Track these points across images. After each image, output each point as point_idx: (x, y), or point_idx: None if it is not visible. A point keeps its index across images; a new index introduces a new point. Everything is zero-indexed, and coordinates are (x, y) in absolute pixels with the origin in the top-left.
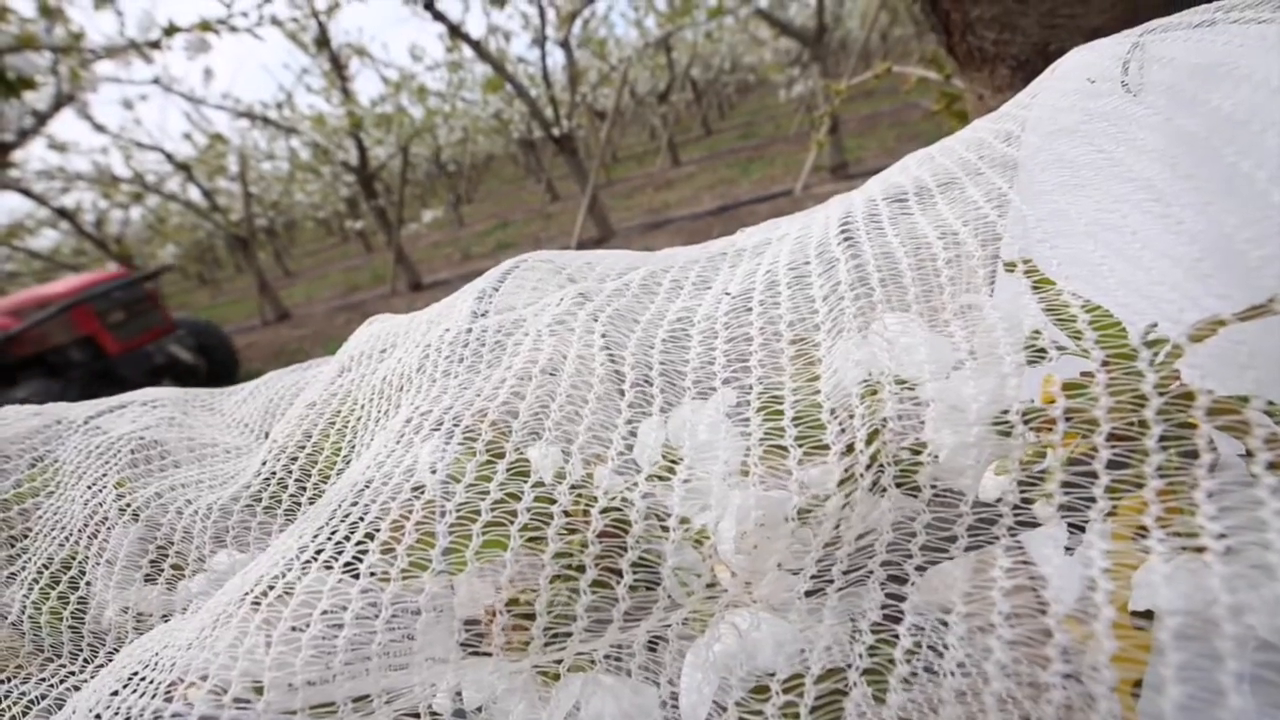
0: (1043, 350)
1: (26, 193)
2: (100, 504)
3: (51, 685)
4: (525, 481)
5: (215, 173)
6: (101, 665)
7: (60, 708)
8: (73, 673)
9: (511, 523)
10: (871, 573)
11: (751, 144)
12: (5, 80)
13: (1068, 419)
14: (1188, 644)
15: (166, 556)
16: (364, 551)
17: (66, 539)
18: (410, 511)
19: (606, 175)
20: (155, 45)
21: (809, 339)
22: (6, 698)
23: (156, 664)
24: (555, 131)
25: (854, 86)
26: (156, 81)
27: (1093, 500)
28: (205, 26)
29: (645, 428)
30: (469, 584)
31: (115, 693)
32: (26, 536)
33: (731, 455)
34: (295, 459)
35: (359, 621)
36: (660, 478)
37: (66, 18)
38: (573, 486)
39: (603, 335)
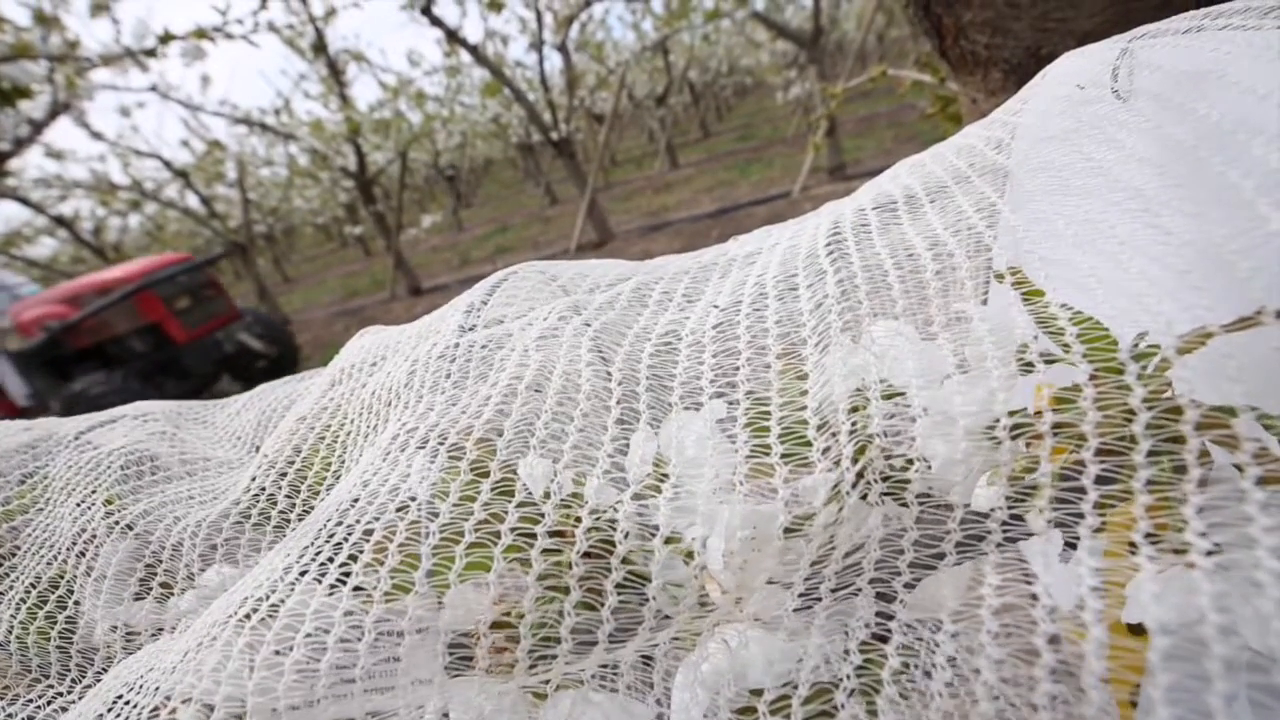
0: (1032, 362)
1: (24, 201)
2: (89, 521)
3: (39, 707)
4: (510, 501)
5: (213, 179)
6: (89, 685)
7: None
8: (60, 693)
9: (495, 544)
10: (860, 590)
11: (749, 146)
12: (1, 89)
13: (1056, 433)
14: (1178, 664)
15: (155, 574)
16: (348, 573)
17: (55, 557)
18: (394, 532)
19: (605, 178)
20: (151, 53)
21: (797, 351)
22: None
23: (142, 687)
24: (553, 135)
25: (850, 89)
26: (153, 89)
27: (1082, 516)
28: (201, 34)
29: (636, 438)
30: (460, 594)
31: (101, 716)
32: (15, 554)
33: (720, 469)
34: (285, 474)
35: (343, 645)
36: (649, 492)
37: (62, 26)
38: (559, 505)
39: (590, 349)
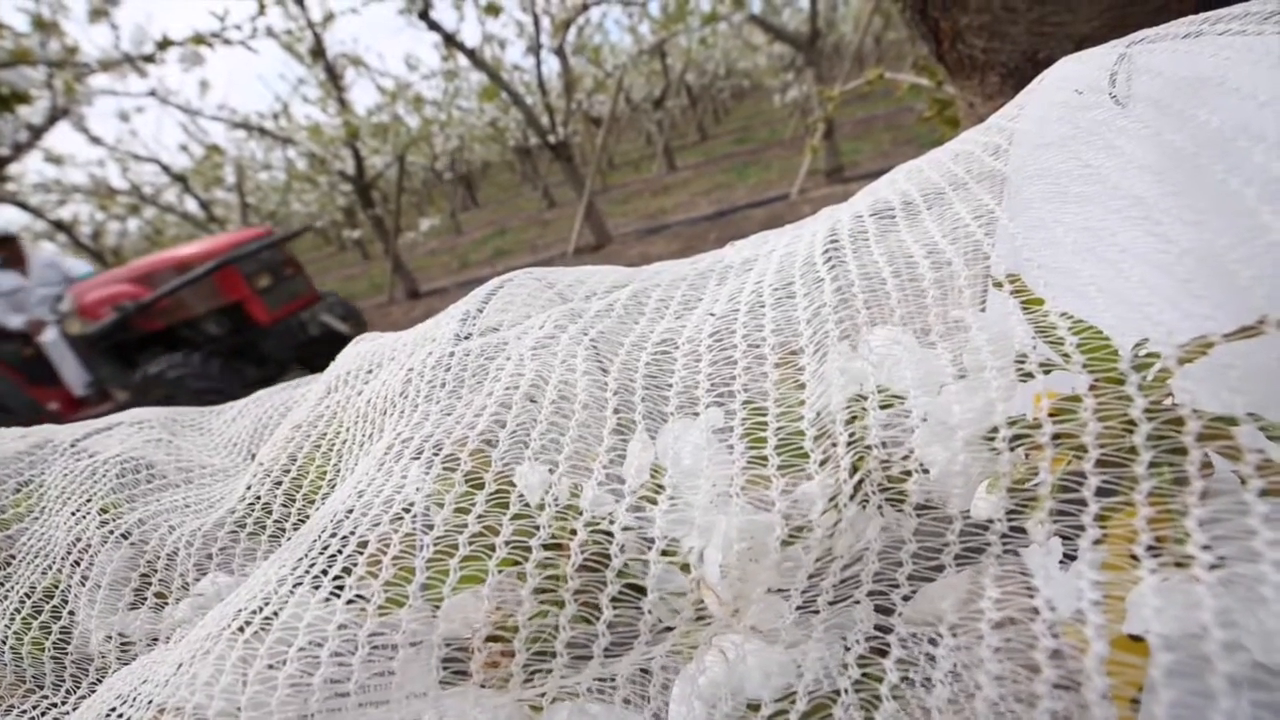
0: (1031, 371)
1: (23, 206)
2: (85, 529)
3: (34, 718)
4: (505, 513)
5: (212, 184)
6: (84, 696)
7: None
8: (54, 704)
9: (490, 556)
10: (859, 602)
11: (747, 149)
12: (0, 95)
13: (1057, 443)
14: (1182, 680)
15: (151, 583)
16: (342, 586)
17: (50, 566)
18: (389, 544)
19: (603, 181)
20: (150, 58)
21: (794, 360)
22: None
23: (135, 699)
24: (551, 138)
25: (847, 93)
26: (152, 93)
27: (1083, 528)
28: (199, 40)
29: (633, 447)
30: (455, 605)
31: None
32: (10, 563)
33: (717, 479)
34: (280, 483)
35: (337, 658)
36: (645, 503)
37: (61, 32)
38: (555, 516)
39: (586, 358)
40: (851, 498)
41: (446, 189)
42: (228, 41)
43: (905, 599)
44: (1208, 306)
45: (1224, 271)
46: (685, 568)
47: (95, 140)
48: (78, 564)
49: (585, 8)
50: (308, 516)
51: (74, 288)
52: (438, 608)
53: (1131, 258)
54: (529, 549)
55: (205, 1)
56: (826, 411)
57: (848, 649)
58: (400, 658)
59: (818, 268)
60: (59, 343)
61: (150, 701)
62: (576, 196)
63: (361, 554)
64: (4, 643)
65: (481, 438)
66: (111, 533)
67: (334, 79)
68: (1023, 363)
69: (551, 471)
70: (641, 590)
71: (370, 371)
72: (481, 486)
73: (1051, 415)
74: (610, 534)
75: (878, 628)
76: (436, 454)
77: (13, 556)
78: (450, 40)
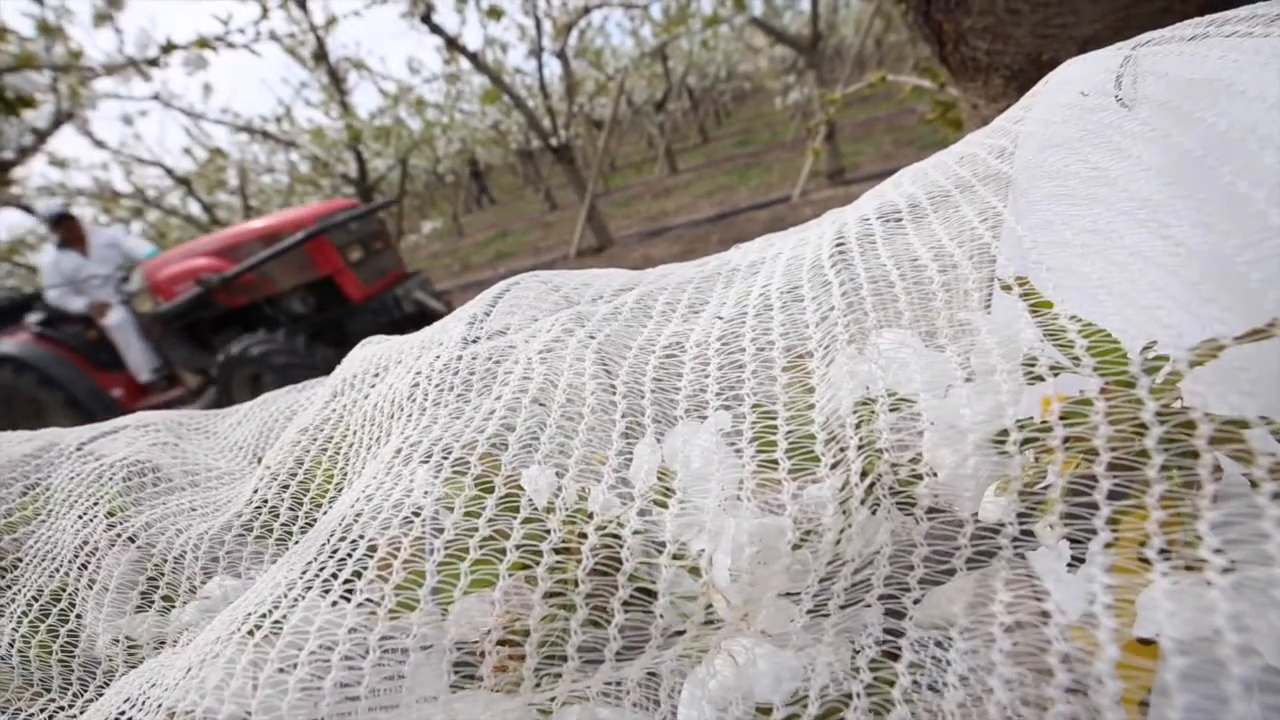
0: (1041, 374)
1: (28, 209)
2: (92, 533)
3: None
4: (514, 517)
5: (215, 187)
6: (91, 699)
7: None
8: (62, 707)
9: (500, 560)
10: (870, 605)
11: (748, 151)
12: (5, 99)
13: (1067, 447)
14: (1195, 684)
15: (158, 586)
16: (352, 590)
17: (57, 569)
18: (398, 548)
19: (605, 184)
20: (153, 63)
21: (803, 364)
22: None
23: (144, 703)
24: (553, 141)
25: (849, 95)
26: (156, 97)
27: (1094, 531)
28: (203, 44)
29: (640, 449)
30: (466, 608)
31: None
32: (17, 566)
33: (726, 483)
34: (287, 486)
35: (347, 662)
36: (655, 505)
37: (66, 36)
38: (565, 520)
39: (594, 361)
40: (862, 501)
41: (448, 191)
42: (231, 45)
43: (916, 603)
44: (1218, 309)
45: (1234, 274)
46: (695, 571)
47: (99, 144)
48: (85, 567)
49: (587, 11)
50: (315, 520)
51: (145, 264)
52: (448, 611)
53: (1140, 260)
54: (539, 553)
55: (209, 6)
56: (835, 415)
57: (858, 653)
58: (411, 661)
59: (825, 271)
60: (125, 325)
61: (159, 705)
62: (578, 199)
63: (371, 558)
64: (11, 646)
65: (490, 442)
66: (118, 536)
67: (336, 82)
68: (1032, 365)
69: (560, 475)
70: (652, 594)
71: (376, 375)
72: (491, 490)
73: (1062, 418)
74: (620, 538)
75: (889, 631)
76: (445, 458)
77: (20, 560)
78: (452, 44)
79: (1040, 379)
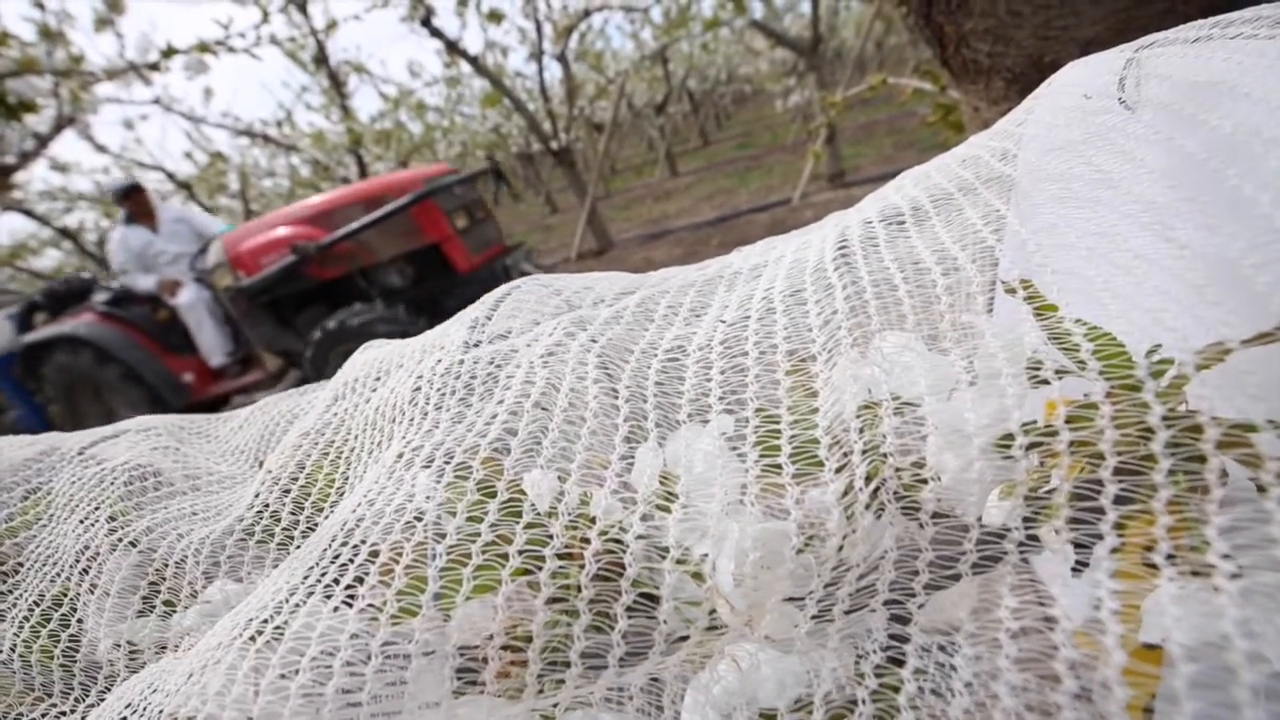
0: (1046, 377)
1: (29, 214)
2: (93, 538)
3: None
4: (517, 522)
5: (216, 190)
6: (92, 705)
7: None
8: (64, 713)
9: (503, 565)
10: (874, 610)
11: (749, 154)
12: (7, 104)
13: (1072, 451)
14: (1203, 692)
15: (159, 591)
16: (354, 595)
17: (59, 574)
18: (400, 553)
19: (605, 187)
20: (154, 67)
21: (806, 367)
22: None
23: (145, 709)
24: (553, 144)
25: (849, 98)
26: (157, 102)
27: (1100, 536)
28: (203, 48)
29: (643, 453)
30: (468, 613)
31: None
32: (19, 571)
33: (729, 487)
34: (289, 491)
35: (349, 668)
36: (658, 510)
37: (67, 41)
38: (567, 526)
39: (596, 366)
40: (866, 506)
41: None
42: (232, 49)
43: (921, 608)
44: (1224, 312)
45: (1240, 277)
46: (698, 576)
47: (100, 148)
48: (86, 571)
49: (587, 14)
50: (316, 524)
51: (225, 236)
52: (450, 617)
53: (1145, 263)
54: (542, 558)
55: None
56: (839, 419)
57: (863, 658)
58: (413, 667)
59: (828, 274)
60: (197, 304)
61: (161, 711)
62: (579, 202)
63: (373, 563)
64: (13, 651)
65: (493, 446)
66: (120, 540)
67: (337, 86)
68: (1036, 369)
69: (562, 479)
70: (655, 599)
71: (378, 379)
72: (494, 495)
73: (1067, 422)
74: (623, 542)
75: (894, 637)
76: (448, 462)
77: (21, 564)
78: (453, 47)
79: (1045, 382)
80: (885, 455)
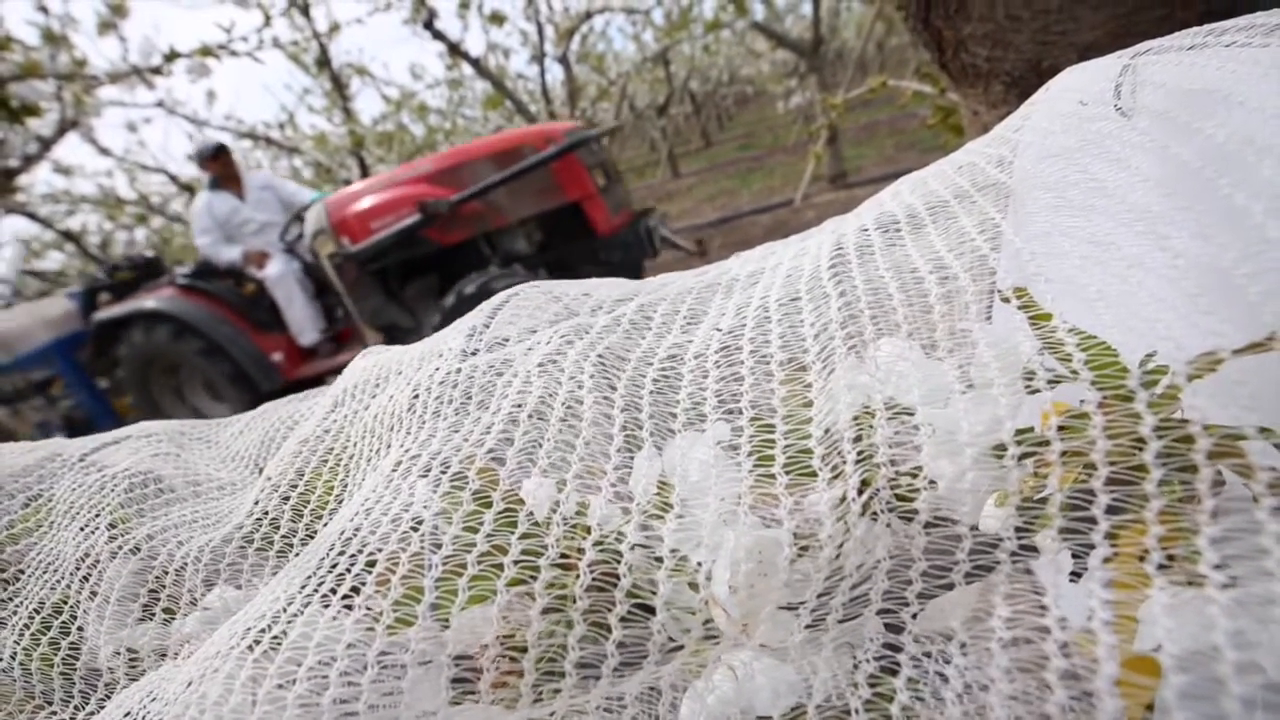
0: (1039, 385)
1: (32, 216)
2: (94, 545)
3: None
4: (513, 532)
5: None
6: (92, 712)
7: None
8: None
9: (498, 576)
10: (869, 618)
11: (751, 155)
12: (10, 107)
13: (1066, 461)
14: (1196, 703)
15: (159, 598)
16: (350, 605)
17: (59, 581)
18: (397, 562)
19: None
20: (157, 70)
21: (802, 375)
22: None
23: (144, 718)
24: None
25: (850, 99)
26: (160, 104)
27: (1093, 546)
28: (206, 52)
29: (640, 459)
30: (464, 622)
31: None
32: (20, 578)
33: (725, 494)
34: (288, 498)
35: (345, 678)
36: (654, 518)
37: (70, 45)
38: (563, 535)
39: (593, 374)
40: (861, 514)
41: None
42: (234, 53)
43: (915, 617)
44: (1217, 321)
45: (1232, 286)
46: (694, 585)
47: (104, 151)
48: (86, 578)
49: (589, 16)
50: (315, 532)
51: (327, 200)
52: (446, 626)
53: (1140, 271)
54: (538, 568)
55: (212, 13)
56: (834, 426)
57: (857, 666)
58: (409, 677)
59: (824, 281)
60: (286, 278)
61: None
62: None
63: (370, 572)
64: (13, 658)
65: (490, 455)
66: (120, 547)
67: (339, 88)
68: (1031, 377)
69: (559, 488)
70: (651, 609)
71: (377, 385)
72: (490, 505)
73: (1060, 431)
74: (619, 552)
75: (888, 645)
76: (445, 471)
77: (21, 571)
78: (455, 49)
79: (1039, 391)
80: (880, 463)
